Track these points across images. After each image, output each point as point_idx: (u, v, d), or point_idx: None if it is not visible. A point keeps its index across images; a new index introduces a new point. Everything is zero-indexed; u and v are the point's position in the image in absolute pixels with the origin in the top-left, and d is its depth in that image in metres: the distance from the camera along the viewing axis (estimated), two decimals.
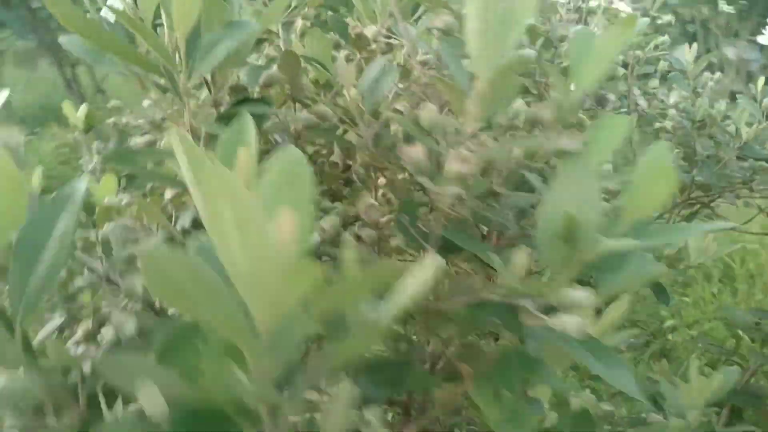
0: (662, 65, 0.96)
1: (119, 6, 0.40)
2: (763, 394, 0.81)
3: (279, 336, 0.23)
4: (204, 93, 0.50)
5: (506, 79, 0.35)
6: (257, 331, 0.23)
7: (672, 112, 1.01)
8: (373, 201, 0.43)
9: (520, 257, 0.37)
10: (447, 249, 0.42)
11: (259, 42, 0.58)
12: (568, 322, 0.36)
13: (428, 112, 0.37)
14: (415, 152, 0.35)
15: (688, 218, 1.19)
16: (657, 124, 1.04)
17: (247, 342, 0.23)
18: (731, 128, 0.93)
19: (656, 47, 0.95)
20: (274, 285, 0.21)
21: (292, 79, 0.55)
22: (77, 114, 0.83)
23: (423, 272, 0.27)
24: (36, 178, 0.65)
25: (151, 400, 0.25)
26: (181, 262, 0.21)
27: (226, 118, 0.43)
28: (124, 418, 0.28)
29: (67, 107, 0.81)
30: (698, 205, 1.12)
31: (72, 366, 0.31)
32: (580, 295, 0.37)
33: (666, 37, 0.95)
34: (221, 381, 0.25)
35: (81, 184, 0.33)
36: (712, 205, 1.09)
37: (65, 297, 0.37)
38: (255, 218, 0.20)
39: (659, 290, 1.04)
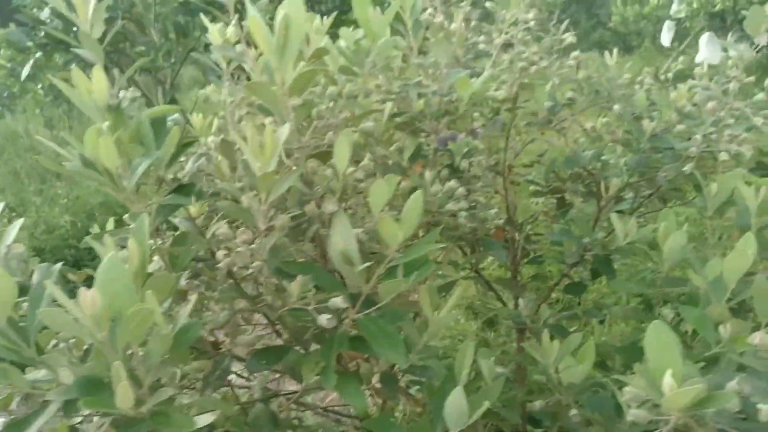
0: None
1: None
2: None
3: (110, 340, 0.51)
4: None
5: (270, 181, 0.59)
6: (96, 337, 0.50)
7: (616, 107, 1.16)
8: (241, 249, 0.69)
9: (295, 284, 0.61)
10: (284, 274, 0.67)
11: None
12: (324, 319, 0.60)
13: (246, 199, 0.63)
14: (222, 228, 0.60)
15: (653, 196, 1.31)
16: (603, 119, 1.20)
17: (95, 342, 0.51)
18: (645, 121, 1.06)
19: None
20: (90, 322, 0.48)
21: (224, 160, 0.82)
22: None
23: (191, 301, 0.54)
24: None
25: (66, 377, 0.53)
26: (56, 314, 0.49)
27: (163, 205, 0.72)
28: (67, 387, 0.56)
29: None
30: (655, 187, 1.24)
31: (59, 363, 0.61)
32: (337, 300, 0.61)
33: (570, 38, 1.09)
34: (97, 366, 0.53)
35: (54, 270, 0.63)
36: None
37: None
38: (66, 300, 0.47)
39: (607, 268, 1.20)
